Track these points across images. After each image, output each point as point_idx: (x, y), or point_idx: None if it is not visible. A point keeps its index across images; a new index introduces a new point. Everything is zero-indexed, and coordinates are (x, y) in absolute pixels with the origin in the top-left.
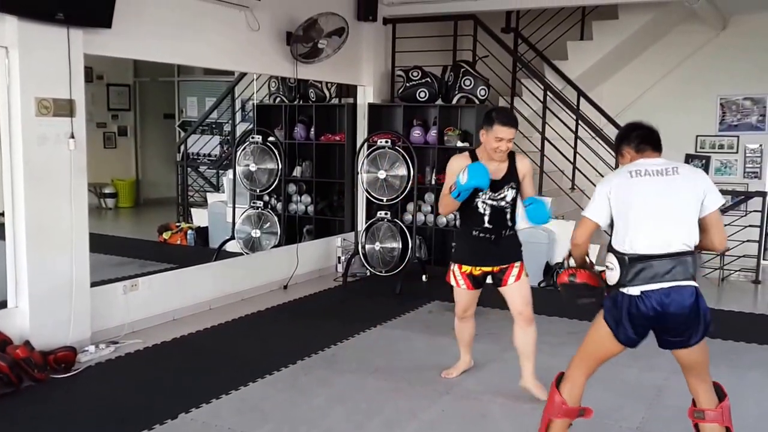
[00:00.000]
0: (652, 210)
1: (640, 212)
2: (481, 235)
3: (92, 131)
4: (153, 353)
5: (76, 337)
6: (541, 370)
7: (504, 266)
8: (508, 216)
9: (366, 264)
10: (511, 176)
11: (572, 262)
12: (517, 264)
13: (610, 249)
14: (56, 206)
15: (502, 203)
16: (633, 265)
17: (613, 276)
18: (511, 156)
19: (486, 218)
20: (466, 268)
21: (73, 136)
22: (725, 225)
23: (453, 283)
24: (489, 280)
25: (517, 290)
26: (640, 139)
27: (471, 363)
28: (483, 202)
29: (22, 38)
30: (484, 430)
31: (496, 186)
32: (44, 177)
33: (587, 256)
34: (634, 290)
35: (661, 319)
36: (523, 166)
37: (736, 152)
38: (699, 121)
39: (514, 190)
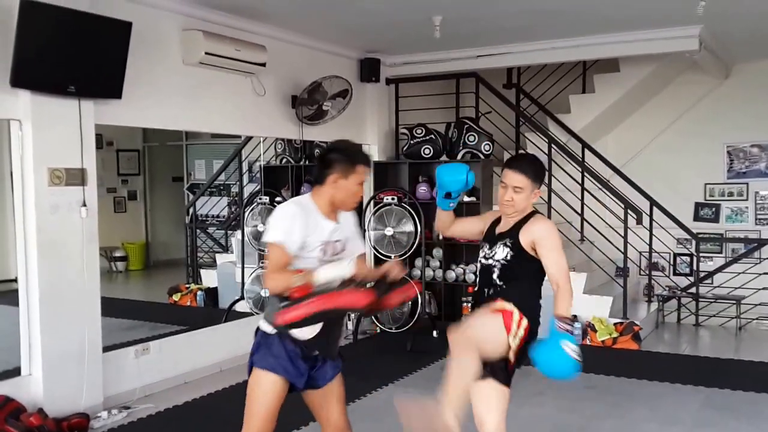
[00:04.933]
0: None
1: None
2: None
3: (102, 196)
4: (165, 418)
5: (88, 403)
6: (558, 427)
7: None
8: (495, 276)
9: (376, 321)
10: (510, 234)
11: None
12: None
13: None
14: (69, 273)
15: (490, 261)
16: None
17: None
18: (531, 215)
19: (476, 277)
20: None
21: (84, 204)
22: (740, 273)
23: None
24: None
25: None
26: None
27: None
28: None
29: (35, 111)
30: None
31: (494, 239)
32: (57, 244)
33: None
34: None
35: None
36: (534, 231)
37: (746, 199)
38: (707, 169)
39: (507, 249)
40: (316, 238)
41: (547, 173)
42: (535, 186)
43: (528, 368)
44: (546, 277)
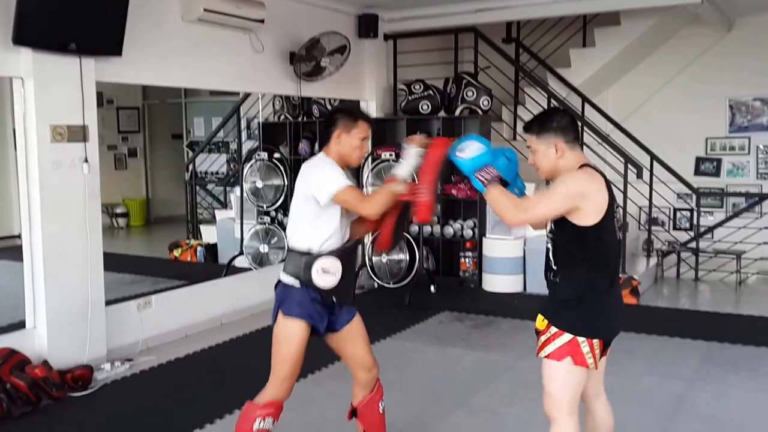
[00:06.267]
0: None
1: None
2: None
3: (103, 153)
4: (167, 370)
5: (92, 356)
6: None
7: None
8: (551, 256)
9: (374, 276)
10: None
11: None
12: (553, 329)
13: None
14: (71, 228)
15: (547, 237)
16: None
17: None
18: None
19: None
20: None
21: (86, 161)
22: (741, 227)
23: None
24: None
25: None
26: None
27: None
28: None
29: (36, 69)
30: None
31: None
32: (59, 201)
33: None
34: None
35: None
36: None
37: (748, 153)
38: (708, 123)
39: (552, 223)
40: None
41: (559, 121)
42: (546, 140)
43: (526, 322)
44: (610, 252)
